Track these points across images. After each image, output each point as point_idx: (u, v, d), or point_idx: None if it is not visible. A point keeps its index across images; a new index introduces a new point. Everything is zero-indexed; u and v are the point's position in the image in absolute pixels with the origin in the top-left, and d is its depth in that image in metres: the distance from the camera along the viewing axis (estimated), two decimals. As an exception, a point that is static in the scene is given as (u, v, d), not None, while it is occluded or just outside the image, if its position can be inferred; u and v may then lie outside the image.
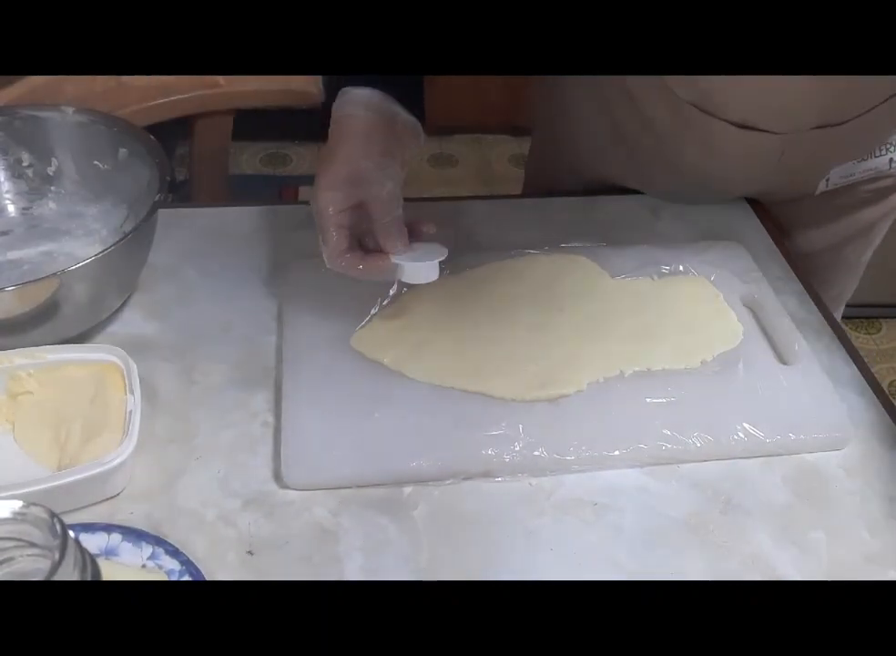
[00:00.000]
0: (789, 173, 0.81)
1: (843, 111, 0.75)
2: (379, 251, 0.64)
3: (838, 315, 0.97)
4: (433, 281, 0.69)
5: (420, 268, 0.64)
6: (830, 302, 0.84)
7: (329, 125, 0.64)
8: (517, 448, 0.61)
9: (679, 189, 0.86)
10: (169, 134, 0.90)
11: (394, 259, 0.63)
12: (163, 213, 0.70)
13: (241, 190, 2.21)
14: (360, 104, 0.63)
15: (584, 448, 0.61)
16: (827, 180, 0.83)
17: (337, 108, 0.63)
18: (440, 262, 0.65)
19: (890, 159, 0.82)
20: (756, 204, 0.87)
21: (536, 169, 1.04)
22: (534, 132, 1.04)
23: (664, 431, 0.62)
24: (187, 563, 0.52)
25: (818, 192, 0.84)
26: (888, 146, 0.82)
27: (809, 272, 0.82)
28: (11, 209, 0.78)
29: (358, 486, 0.60)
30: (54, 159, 0.77)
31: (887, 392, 0.69)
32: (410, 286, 0.72)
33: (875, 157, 0.82)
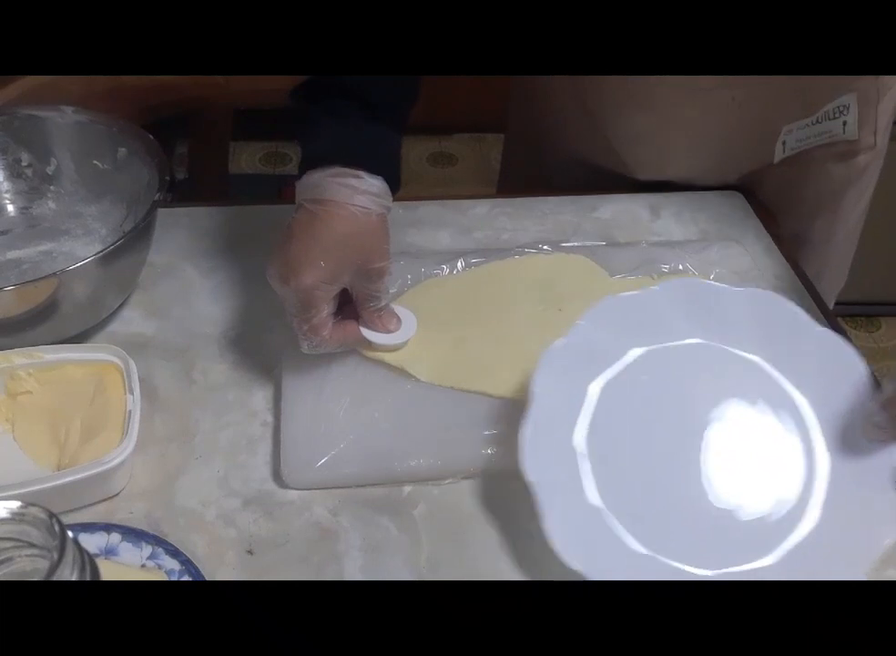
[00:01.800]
0: (745, 130, 0.82)
1: None
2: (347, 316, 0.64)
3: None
4: (434, 282, 0.69)
5: (392, 343, 0.66)
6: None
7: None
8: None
9: (639, 156, 0.86)
10: (169, 134, 0.90)
11: (367, 335, 0.64)
12: (163, 213, 0.70)
13: (241, 190, 2.21)
14: (358, 193, 0.59)
15: (583, 448, 0.61)
16: (783, 144, 0.83)
17: (336, 193, 0.59)
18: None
19: (844, 122, 0.82)
20: (755, 202, 0.87)
21: (512, 161, 1.05)
22: (507, 128, 1.05)
23: (664, 430, 0.62)
24: (186, 563, 0.52)
25: (776, 160, 0.84)
26: (841, 108, 0.81)
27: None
28: (10, 208, 0.78)
29: (358, 486, 0.60)
30: (53, 159, 0.77)
31: (887, 391, 0.69)
32: (410, 286, 0.72)
33: (829, 119, 0.82)
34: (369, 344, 0.65)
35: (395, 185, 0.62)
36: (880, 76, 0.81)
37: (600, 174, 0.89)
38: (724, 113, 0.80)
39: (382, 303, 0.63)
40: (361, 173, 0.59)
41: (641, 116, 0.82)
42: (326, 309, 0.60)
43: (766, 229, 0.85)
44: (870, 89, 0.82)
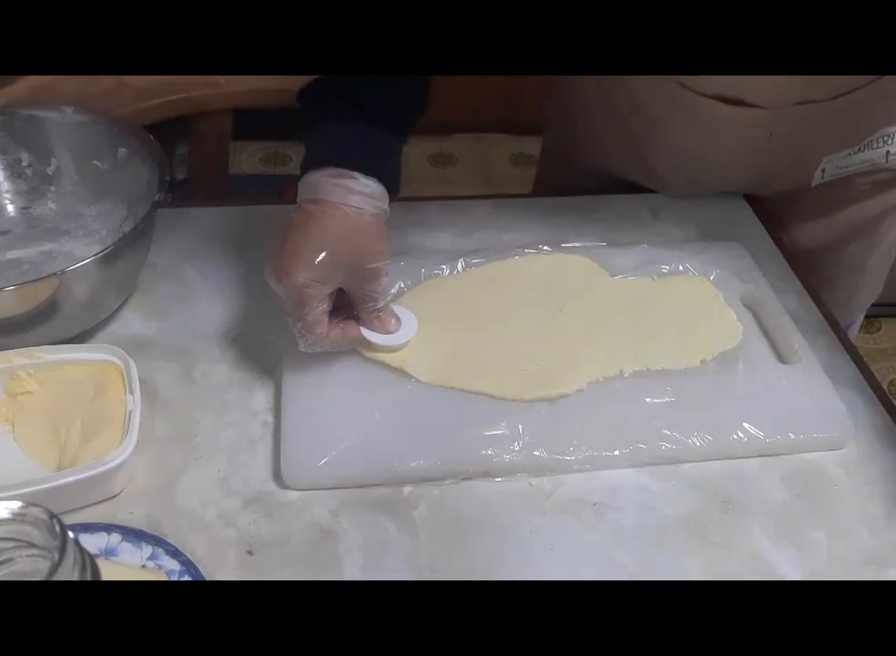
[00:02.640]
0: (782, 158, 0.81)
1: (827, 85, 0.74)
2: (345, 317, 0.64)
3: (853, 323, 0.97)
4: (434, 282, 0.69)
5: (391, 344, 0.66)
6: (838, 306, 0.84)
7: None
8: (517, 448, 0.61)
9: (675, 177, 0.86)
10: (169, 134, 0.90)
11: (367, 335, 0.64)
12: (163, 213, 0.70)
13: (241, 190, 2.21)
14: (352, 193, 0.60)
15: (584, 448, 0.61)
16: (823, 171, 0.82)
17: (330, 193, 0.60)
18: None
19: (887, 152, 0.81)
20: (756, 203, 0.87)
21: (547, 169, 1.04)
22: (545, 132, 1.04)
23: (664, 431, 0.62)
24: (187, 563, 0.52)
25: (814, 184, 0.84)
26: (885, 138, 0.81)
27: (808, 269, 0.82)
28: (10, 208, 0.78)
29: (358, 487, 0.60)
30: (53, 159, 0.77)
31: (887, 391, 0.69)
32: (410, 287, 0.72)
33: (872, 149, 0.81)
34: (368, 345, 0.65)
35: (394, 189, 0.62)
36: None
37: (635, 188, 0.89)
38: (764, 142, 0.79)
39: (380, 304, 0.63)
40: (357, 174, 0.60)
41: (681, 139, 0.81)
42: (320, 307, 0.60)
43: (766, 229, 0.85)
44: None
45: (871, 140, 0.81)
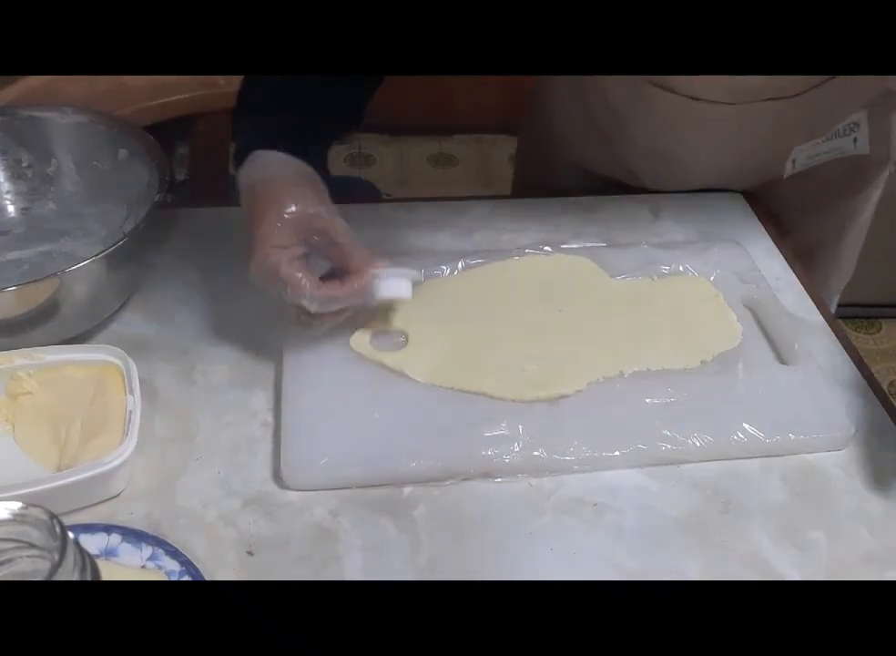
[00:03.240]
0: (752, 152, 0.82)
1: (791, 82, 0.75)
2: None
3: (832, 306, 0.98)
4: (434, 282, 0.69)
5: (399, 281, 0.64)
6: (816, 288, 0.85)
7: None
8: (517, 449, 0.61)
9: (648, 171, 0.87)
10: (169, 134, 0.90)
11: (374, 270, 0.63)
12: (163, 213, 0.70)
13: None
14: (280, 163, 0.63)
15: (584, 448, 0.61)
16: (793, 162, 0.83)
17: (255, 171, 0.64)
18: (414, 281, 0.65)
19: (855, 139, 0.83)
20: (756, 203, 0.87)
21: (524, 167, 1.06)
22: (520, 132, 1.05)
23: (664, 431, 0.62)
24: (187, 564, 0.52)
25: (786, 175, 0.85)
26: (852, 125, 0.82)
27: (794, 255, 0.83)
28: (11, 209, 0.78)
29: (358, 487, 0.60)
30: (53, 160, 0.77)
31: (887, 392, 0.69)
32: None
33: (839, 137, 0.82)
34: (373, 298, 0.63)
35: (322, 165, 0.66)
36: (891, 92, 0.81)
37: (611, 183, 0.90)
38: (733, 137, 0.80)
39: (355, 247, 0.62)
40: (273, 152, 0.63)
41: (649, 134, 0.82)
42: (297, 268, 0.60)
43: (766, 230, 0.85)
44: (880, 105, 0.82)
45: (839, 129, 0.82)
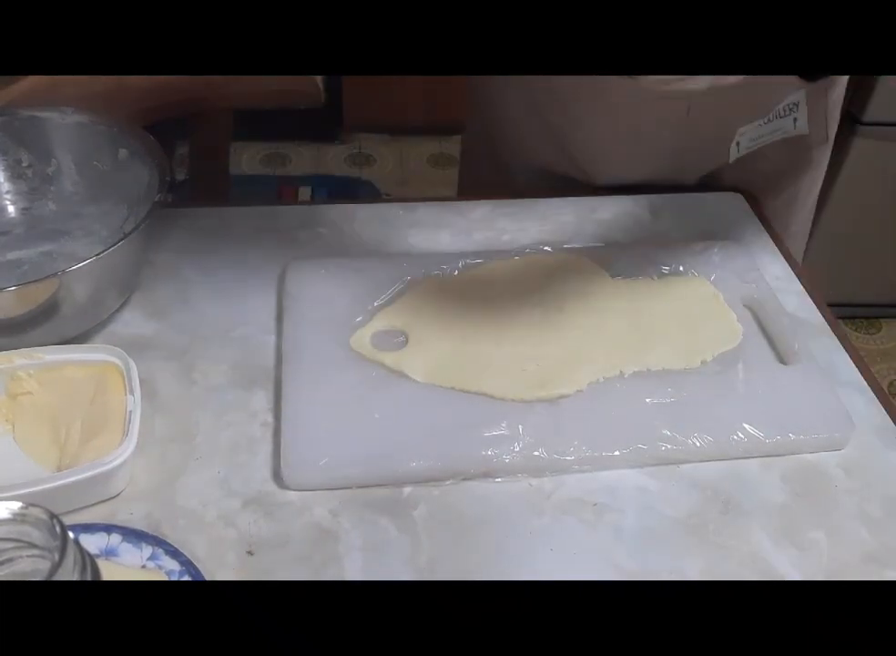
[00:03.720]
0: (700, 136, 0.83)
1: None
2: None
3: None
4: (434, 282, 0.69)
5: None
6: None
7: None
8: (517, 448, 0.61)
9: (597, 164, 0.87)
10: (169, 134, 0.90)
11: None
12: (163, 213, 0.70)
13: (241, 190, 2.21)
14: None
15: (584, 448, 0.61)
16: (737, 145, 0.85)
17: None
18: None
19: (794, 119, 0.84)
20: (756, 203, 0.88)
21: (470, 170, 1.06)
22: (464, 133, 1.06)
23: (664, 431, 0.62)
24: (187, 564, 0.52)
25: (731, 159, 0.86)
26: (791, 105, 0.84)
27: None
28: (11, 209, 0.78)
29: (358, 487, 0.60)
30: (54, 160, 0.77)
31: (887, 392, 0.69)
32: (410, 286, 0.72)
33: (780, 117, 0.84)
34: None
35: None
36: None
37: (561, 179, 0.90)
38: (678, 121, 0.81)
39: None
40: None
41: (596, 125, 0.83)
42: None
43: (766, 230, 0.85)
44: (818, 85, 0.84)
45: (779, 110, 0.84)
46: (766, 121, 0.84)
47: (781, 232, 0.91)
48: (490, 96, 0.93)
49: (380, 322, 0.70)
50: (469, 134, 1.05)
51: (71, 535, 0.36)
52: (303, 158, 2.45)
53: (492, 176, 0.98)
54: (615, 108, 0.81)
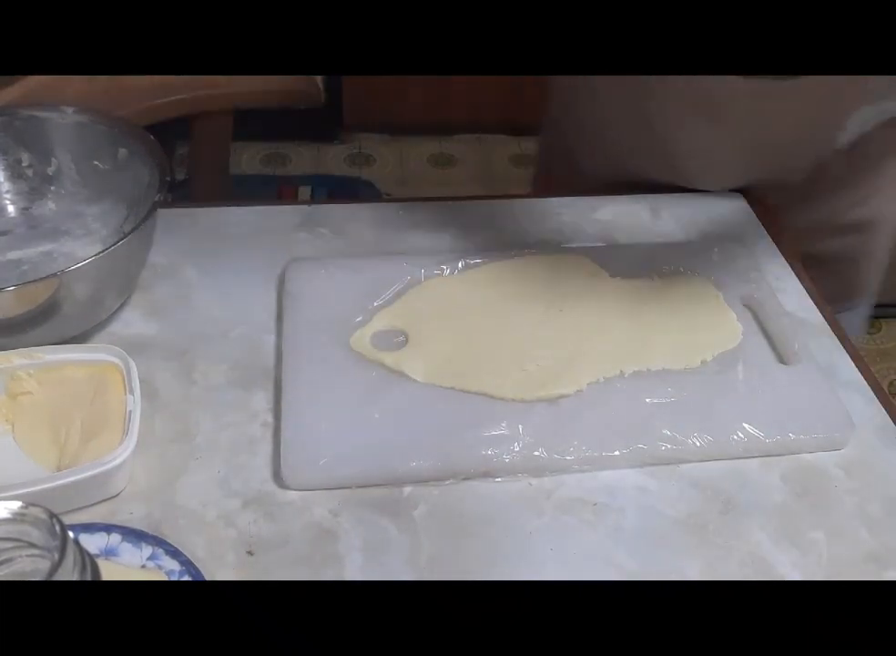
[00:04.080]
0: (809, 124, 0.80)
1: None
2: None
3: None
4: (434, 282, 0.69)
5: None
6: (836, 297, 0.84)
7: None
8: (517, 448, 0.61)
9: (709, 172, 0.85)
10: (169, 134, 0.90)
11: None
12: (163, 213, 0.70)
13: (241, 190, 2.21)
14: None
15: (584, 448, 0.61)
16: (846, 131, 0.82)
17: None
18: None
19: None
20: (756, 203, 0.87)
21: (547, 169, 1.04)
22: (543, 132, 1.04)
23: (664, 431, 0.62)
24: (187, 563, 0.52)
25: (838, 146, 0.83)
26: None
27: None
28: (11, 209, 0.78)
29: (358, 487, 0.60)
30: (54, 160, 0.77)
31: (887, 392, 0.69)
32: (410, 286, 0.72)
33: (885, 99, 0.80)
34: None
35: None
36: None
37: (637, 188, 0.89)
38: (786, 120, 0.79)
39: None
40: None
41: (705, 129, 0.81)
42: None
43: (766, 230, 0.85)
44: None
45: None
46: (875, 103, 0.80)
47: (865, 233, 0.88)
48: (579, 91, 0.91)
49: (380, 322, 0.70)
50: (549, 134, 1.03)
51: (71, 535, 0.35)
52: (303, 158, 2.45)
53: (569, 178, 0.96)
54: (723, 110, 0.79)
